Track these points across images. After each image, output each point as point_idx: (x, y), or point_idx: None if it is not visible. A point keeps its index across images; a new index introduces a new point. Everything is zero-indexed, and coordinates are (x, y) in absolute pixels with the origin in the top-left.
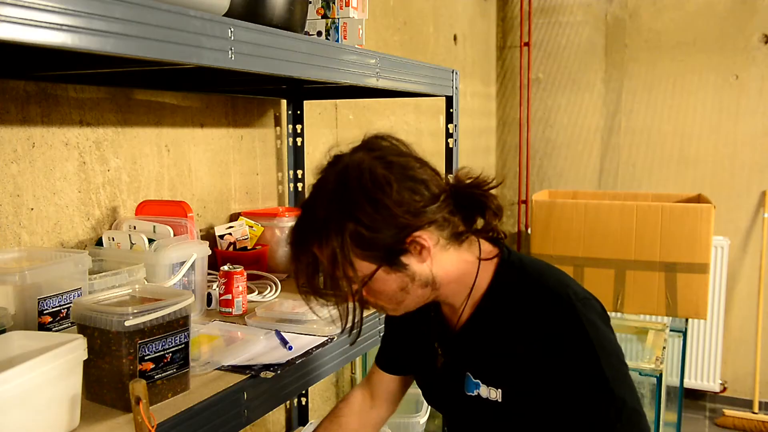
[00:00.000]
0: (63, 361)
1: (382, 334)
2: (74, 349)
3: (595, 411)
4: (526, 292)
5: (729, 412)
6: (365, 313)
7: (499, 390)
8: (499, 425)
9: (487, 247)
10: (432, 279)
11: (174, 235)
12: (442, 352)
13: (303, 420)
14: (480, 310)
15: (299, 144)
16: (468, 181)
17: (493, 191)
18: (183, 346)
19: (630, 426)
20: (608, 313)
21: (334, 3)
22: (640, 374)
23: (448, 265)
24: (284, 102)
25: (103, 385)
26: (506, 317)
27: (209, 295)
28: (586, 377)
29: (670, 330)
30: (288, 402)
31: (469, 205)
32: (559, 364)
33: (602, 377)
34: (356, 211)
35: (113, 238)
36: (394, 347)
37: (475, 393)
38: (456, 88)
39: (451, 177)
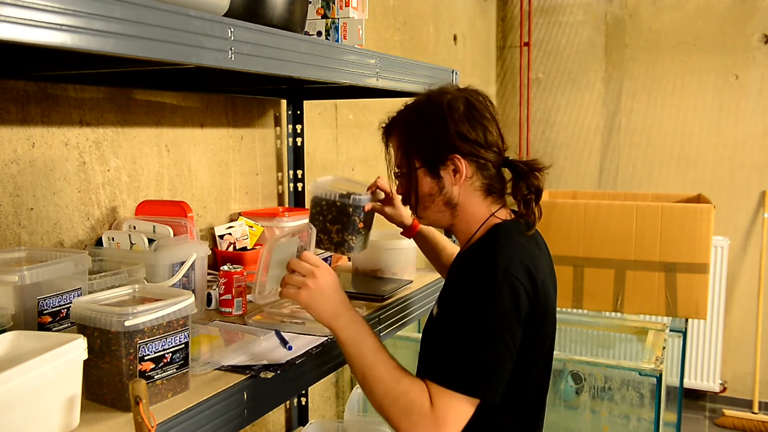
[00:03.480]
0: (63, 361)
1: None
2: (74, 349)
3: (442, 348)
4: (483, 249)
5: (729, 412)
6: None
7: (438, 309)
8: (429, 337)
9: (503, 213)
10: (454, 204)
11: (174, 235)
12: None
13: (303, 420)
14: (463, 252)
15: (299, 144)
16: (522, 159)
17: (538, 174)
18: (183, 346)
19: (454, 372)
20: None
21: (334, 3)
22: (640, 374)
23: (469, 205)
24: (284, 102)
25: (103, 385)
26: (466, 262)
27: (209, 295)
28: (460, 324)
29: (670, 330)
30: (288, 402)
31: (514, 174)
32: (456, 306)
33: (469, 330)
34: (428, 119)
35: (113, 238)
36: None
37: (432, 311)
38: None
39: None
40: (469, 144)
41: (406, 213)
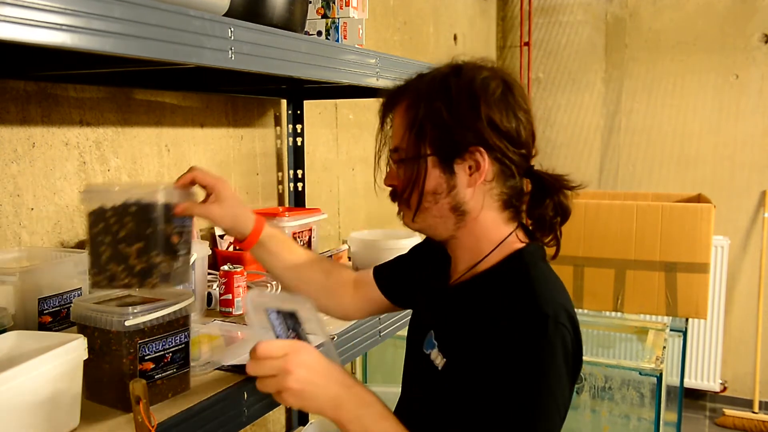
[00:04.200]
0: (63, 361)
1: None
2: (74, 349)
3: (503, 421)
4: (517, 289)
5: (729, 411)
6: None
7: (444, 359)
8: (432, 391)
9: (521, 234)
10: (463, 210)
11: None
12: (426, 302)
13: (303, 420)
14: (473, 281)
15: (299, 144)
16: (549, 171)
17: (567, 192)
18: (183, 345)
19: None
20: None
21: (334, 3)
22: (640, 374)
23: (481, 216)
24: (284, 102)
25: (103, 385)
26: (488, 301)
27: (209, 295)
28: (513, 389)
29: (670, 330)
30: None
31: (537, 188)
32: (502, 368)
33: (527, 395)
34: (453, 96)
35: None
36: (398, 270)
37: (428, 352)
38: None
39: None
40: (499, 136)
41: (245, 215)
